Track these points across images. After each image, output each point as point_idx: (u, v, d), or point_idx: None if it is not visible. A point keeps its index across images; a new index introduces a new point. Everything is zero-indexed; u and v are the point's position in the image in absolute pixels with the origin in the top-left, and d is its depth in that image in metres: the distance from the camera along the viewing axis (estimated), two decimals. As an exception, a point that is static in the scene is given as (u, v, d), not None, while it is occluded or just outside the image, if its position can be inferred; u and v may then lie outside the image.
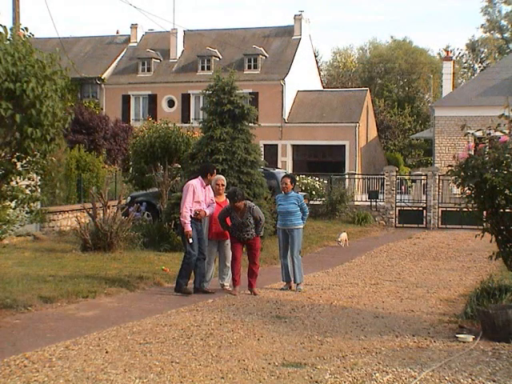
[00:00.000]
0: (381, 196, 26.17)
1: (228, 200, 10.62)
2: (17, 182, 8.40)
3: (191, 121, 40.28)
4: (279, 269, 11.66)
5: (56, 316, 8.67)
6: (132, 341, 7.39)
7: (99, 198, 15.12)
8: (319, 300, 10.27)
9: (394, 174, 25.50)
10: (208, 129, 16.25)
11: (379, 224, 24.90)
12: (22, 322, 8.29)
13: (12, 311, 8.71)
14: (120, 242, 14.51)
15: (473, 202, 8.52)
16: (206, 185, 10.59)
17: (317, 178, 27.65)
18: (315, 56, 51.23)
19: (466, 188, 8.42)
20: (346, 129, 41.69)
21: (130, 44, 47.96)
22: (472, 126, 9.23)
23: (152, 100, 44.68)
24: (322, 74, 58.09)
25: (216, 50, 44.92)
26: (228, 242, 10.78)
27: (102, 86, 45.20)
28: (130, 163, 22.75)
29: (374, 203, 25.56)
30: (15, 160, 8.15)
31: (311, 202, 24.27)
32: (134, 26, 48.21)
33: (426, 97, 63.03)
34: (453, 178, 8.54)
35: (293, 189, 11.38)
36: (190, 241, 10.28)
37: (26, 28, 8.12)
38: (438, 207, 24.89)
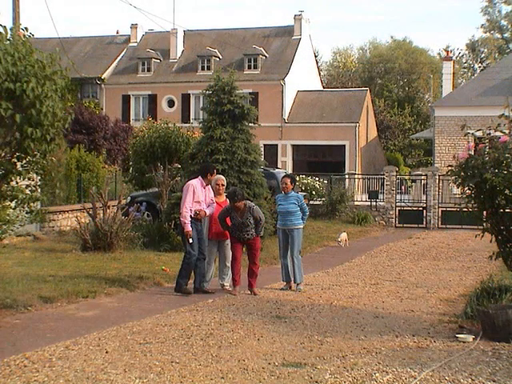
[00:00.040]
0: (381, 196, 26.17)
1: (228, 200, 10.62)
2: (17, 182, 8.40)
3: (191, 121, 40.29)
4: (279, 269, 11.66)
5: (56, 316, 8.67)
6: (132, 341, 7.39)
7: (99, 197, 15.12)
8: (319, 300, 10.27)
9: (394, 173, 25.50)
10: (208, 129, 16.25)
11: (379, 224, 24.90)
12: (21, 321, 8.29)
13: (12, 311, 8.71)
14: (120, 242, 14.51)
15: (473, 202, 8.52)
16: (206, 185, 10.59)
17: (317, 178, 27.66)
18: (315, 56, 51.23)
19: (465, 188, 8.42)
20: (346, 129, 41.69)
21: (130, 44, 47.96)
22: (472, 126, 9.23)
23: (152, 100, 44.68)
24: (322, 73, 58.10)
25: (216, 50, 44.93)
26: (228, 242, 10.78)
27: (102, 86, 45.20)
28: (130, 163, 22.75)
29: (373, 203, 25.56)
30: (15, 160, 8.15)
31: (311, 202, 24.27)
32: (133, 26, 48.22)
33: (426, 97, 63.04)
34: (453, 178, 8.54)
35: (293, 189, 11.38)
36: (190, 241, 10.28)
37: (26, 28, 8.12)
38: (438, 207, 24.89)
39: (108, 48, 47.97)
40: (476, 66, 66.96)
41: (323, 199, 25.98)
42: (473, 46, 66.43)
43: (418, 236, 21.69)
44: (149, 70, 45.49)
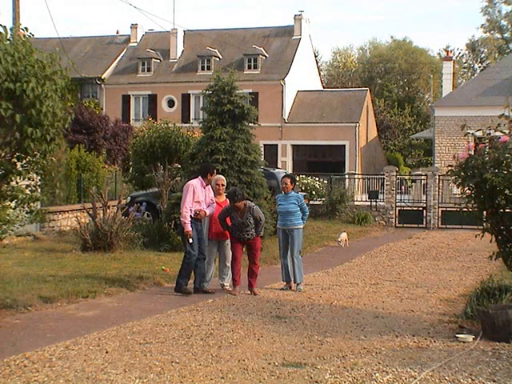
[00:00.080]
0: (381, 196, 26.17)
1: (228, 200, 10.62)
2: (17, 182, 8.40)
3: (191, 121, 40.29)
4: (279, 269, 11.66)
5: (56, 316, 8.67)
6: (132, 341, 7.39)
7: (99, 197, 15.12)
8: (319, 300, 10.26)
9: (394, 173, 25.50)
10: (208, 129, 16.25)
11: (379, 224, 24.90)
12: (22, 321, 8.29)
13: (12, 311, 8.71)
14: (120, 242, 14.51)
15: (473, 202, 8.52)
16: (206, 185, 10.59)
17: (317, 178, 27.66)
18: (315, 56, 51.23)
19: (466, 188, 8.42)
20: (346, 129, 41.69)
21: (130, 44, 47.97)
22: (472, 126, 9.23)
23: (152, 100, 44.69)
24: (321, 73, 58.10)
25: (216, 50, 44.93)
26: (228, 242, 10.78)
27: (102, 85, 45.21)
28: (130, 163, 22.75)
29: (373, 203, 25.56)
30: (15, 160, 8.15)
31: (311, 202, 24.28)
32: (133, 26, 48.23)
33: (426, 97, 63.04)
34: (453, 178, 8.54)
35: (293, 189, 11.38)
36: (190, 241, 10.28)
37: (26, 28, 8.12)
38: (438, 207, 24.89)
39: (108, 48, 47.98)
40: (476, 65, 66.98)
41: (323, 199, 25.98)
42: (473, 46, 66.44)
43: (418, 236, 21.69)
44: (149, 69, 45.50)
